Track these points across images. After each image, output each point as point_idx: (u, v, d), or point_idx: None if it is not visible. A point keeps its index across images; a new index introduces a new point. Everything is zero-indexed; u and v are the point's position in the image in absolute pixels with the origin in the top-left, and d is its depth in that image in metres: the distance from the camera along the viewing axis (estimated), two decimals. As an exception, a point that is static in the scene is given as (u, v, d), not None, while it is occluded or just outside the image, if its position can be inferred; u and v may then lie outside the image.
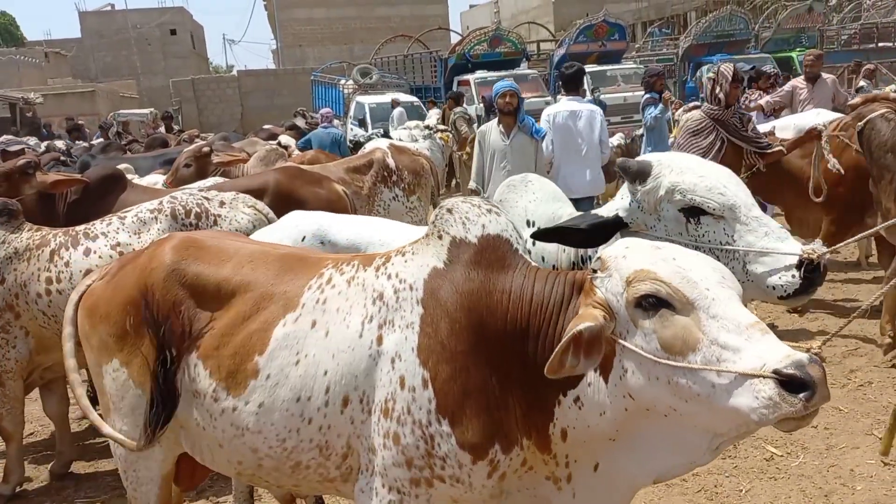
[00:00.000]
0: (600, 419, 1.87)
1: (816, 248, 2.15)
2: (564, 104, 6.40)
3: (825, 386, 1.54)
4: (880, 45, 19.72)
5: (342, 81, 22.38)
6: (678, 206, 2.35)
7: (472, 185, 6.11)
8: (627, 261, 1.80)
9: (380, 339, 2.10)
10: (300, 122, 15.99)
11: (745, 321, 1.65)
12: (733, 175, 2.42)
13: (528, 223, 2.73)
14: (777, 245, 2.20)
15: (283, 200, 4.96)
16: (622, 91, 17.94)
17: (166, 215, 3.96)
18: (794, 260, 2.13)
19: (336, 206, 5.14)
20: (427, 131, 11.59)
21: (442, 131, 12.00)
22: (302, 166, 6.03)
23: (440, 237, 2.16)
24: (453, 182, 13.73)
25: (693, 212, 2.33)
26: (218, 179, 5.56)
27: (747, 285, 2.19)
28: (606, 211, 2.56)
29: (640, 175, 2.43)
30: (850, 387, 4.76)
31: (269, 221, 4.07)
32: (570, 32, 21.07)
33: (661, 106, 8.05)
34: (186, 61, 42.92)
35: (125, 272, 2.59)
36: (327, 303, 2.23)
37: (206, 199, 4.10)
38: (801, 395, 1.53)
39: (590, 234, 2.40)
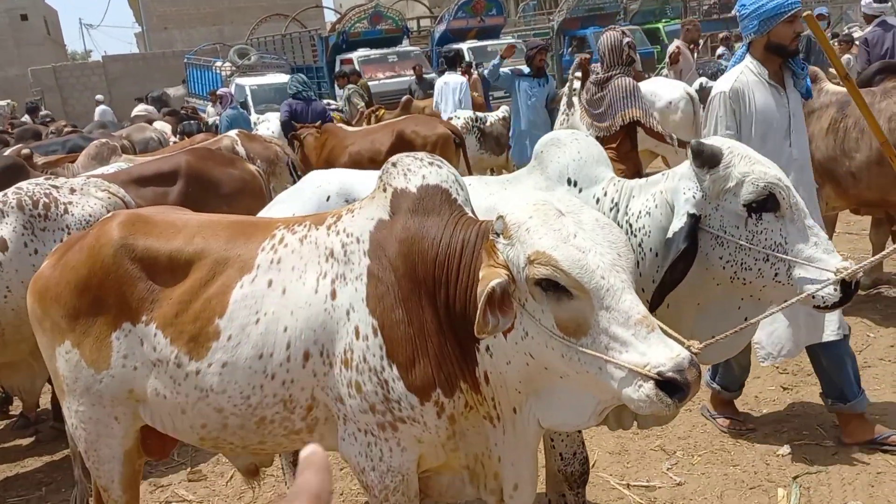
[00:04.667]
0: (508, 367, 2.05)
1: (851, 266, 2.23)
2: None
3: (697, 385, 1.74)
4: (737, 14, 20.92)
5: (218, 63, 21.68)
6: (746, 198, 2.27)
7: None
8: (530, 235, 1.87)
9: (334, 294, 2.20)
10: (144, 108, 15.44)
11: (634, 316, 1.78)
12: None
13: (569, 181, 2.64)
14: (823, 258, 2.24)
15: (195, 182, 4.89)
16: (503, 66, 18.31)
17: (13, 207, 3.86)
18: (833, 275, 2.20)
19: (251, 185, 5.10)
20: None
21: (334, 110, 11.95)
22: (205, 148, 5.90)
23: (385, 190, 2.25)
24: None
25: (758, 207, 2.27)
26: (122, 165, 5.37)
27: (788, 288, 2.26)
28: (658, 202, 2.44)
29: (712, 160, 2.31)
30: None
31: (127, 205, 4.02)
32: (450, 8, 21.25)
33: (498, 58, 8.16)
34: (42, 48, 40.01)
35: (73, 252, 2.56)
36: (282, 262, 2.30)
37: (55, 187, 4.02)
38: (676, 397, 1.72)
39: (691, 248, 2.32)
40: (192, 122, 11.59)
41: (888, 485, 3.26)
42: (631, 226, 2.49)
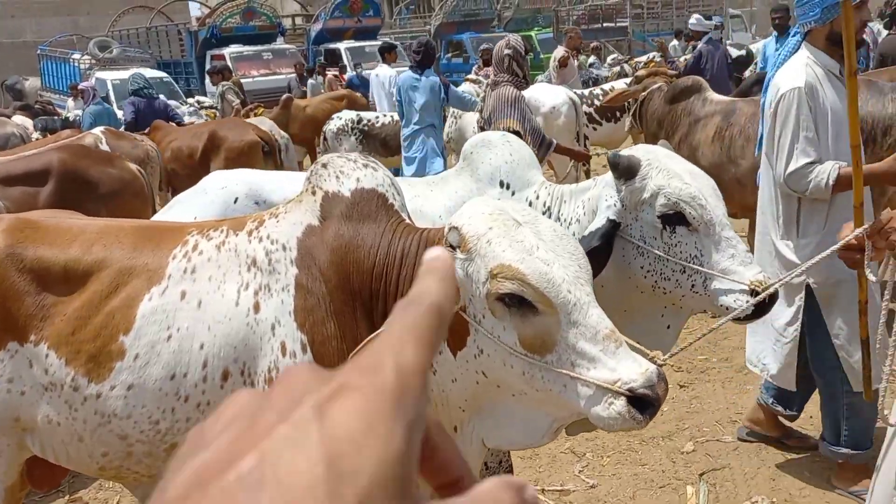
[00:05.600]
0: (452, 385, 1.93)
1: (766, 279, 2.23)
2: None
3: (664, 398, 1.71)
4: (604, 24, 21.91)
5: (76, 56, 20.36)
6: (659, 210, 2.28)
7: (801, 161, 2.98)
8: (492, 248, 1.74)
9: (257, 307, 2.02)
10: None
11: (602, 331, 1.70)
12: (715, 187, 2.36)
13: (501, 183, 2.62)
14: (738, 269, 2.24)
15: (69, 182, 4.50)
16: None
17: None
18: (747, 287, 2.20)
19: (132, 186, 4.75)
20: (192, 108, 11.02)
21: (208, 108, 11.47)
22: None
23: (314, 193, 2.09)
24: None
25: (671, 220, 2.28)
26: (-20, 161, 4.84)
27: (703, 299, 2.29)
28: (586, 209, 2.48)
29: (629, 172, 2.32)
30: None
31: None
32: (326, 7, 20.93)
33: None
34: None
35: (-56, 263, 2.23)
36: (196, 271, 2.09)
37: None
38: (647, 413, 1.67)
39: (603, 249, 2.30)
40: (54, 118, 10.75)
41: (787, 478, 3.41)
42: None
